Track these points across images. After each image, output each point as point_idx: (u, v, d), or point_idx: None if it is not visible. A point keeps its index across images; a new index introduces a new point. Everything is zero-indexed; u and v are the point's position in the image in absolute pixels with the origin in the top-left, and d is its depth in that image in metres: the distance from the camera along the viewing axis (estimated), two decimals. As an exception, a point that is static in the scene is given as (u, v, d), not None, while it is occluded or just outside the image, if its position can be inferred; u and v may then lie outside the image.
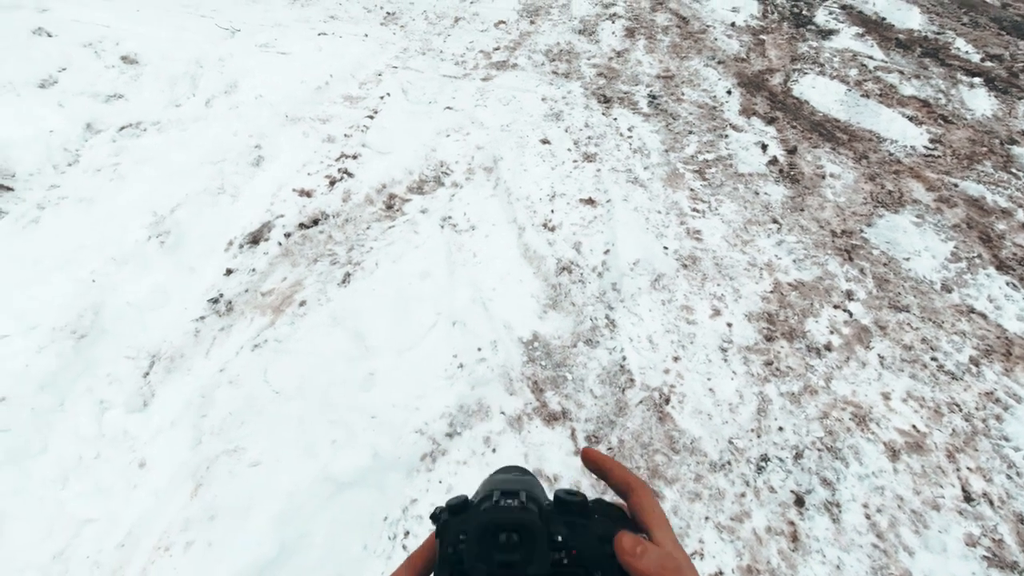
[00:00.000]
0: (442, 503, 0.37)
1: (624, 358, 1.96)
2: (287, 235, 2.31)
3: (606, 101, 3.41)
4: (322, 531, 1.42)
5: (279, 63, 3.58)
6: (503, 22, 4.31)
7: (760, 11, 4.51)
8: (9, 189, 2.40)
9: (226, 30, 3.96)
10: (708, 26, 4.31)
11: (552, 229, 2.47)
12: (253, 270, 2.18)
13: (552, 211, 2.55)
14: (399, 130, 2.97)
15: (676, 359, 1.97)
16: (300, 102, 3.18)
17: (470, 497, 0.37)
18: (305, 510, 1.45)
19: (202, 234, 2.32)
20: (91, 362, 1.81)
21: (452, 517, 0.36)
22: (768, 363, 1.98)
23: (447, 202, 2.56)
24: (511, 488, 0.36)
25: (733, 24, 4.31)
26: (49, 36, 3.36)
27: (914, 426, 1.79)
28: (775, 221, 2.61)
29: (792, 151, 3.05)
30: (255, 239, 2.32)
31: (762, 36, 4.19)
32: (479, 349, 1.90)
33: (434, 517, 0.37)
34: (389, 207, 2.54)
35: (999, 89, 3.59)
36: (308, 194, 2.55)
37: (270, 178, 2.61)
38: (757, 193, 2.77)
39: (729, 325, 2.11)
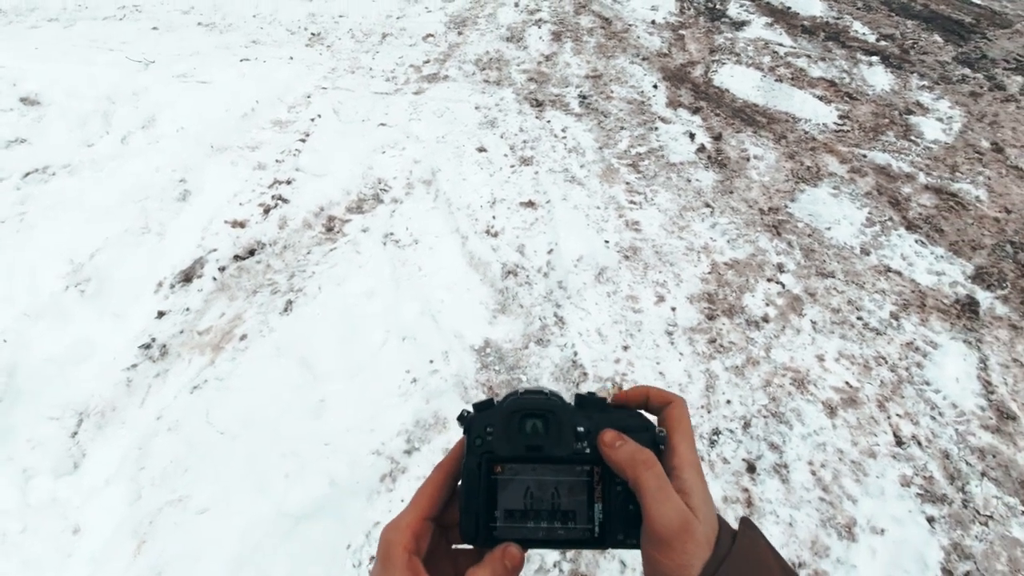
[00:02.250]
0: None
1: (576, 353, 2.01)
2: (221, 269, 2.25)
3: (538, 105, 3.50)
4: (281, 570, 1.38)
5: (200, 93, 3.48)
6: (431, 35, 4.35)
7: (677, 8, 4.76)
8: (-101, 251, 2.21)
9: (139, 63, 3.81)
10: (630, 25, 4.51)
11: (495, 235, 2.51)
12: (187, 309, 2.11)
13: (494, 217, 2.60)
14: (333, 151, 2.95)
15: (625, 348, 2.05)
16: (226, 131, 3.10)
17: (496, 401, 0.39)
18: (261, 550, 1.41)
19: (127, 278, 2.22)
20: (8, 429, 1.69)
21: (478, 413, 0.38)
22: (712, 341, 2.09)
23: (388, 219, 2.56)
24: (535, 388, 0.39)
25: (653, 22, 4.53)
26: (-66, 83, 3.13)
27: (847, 383, 1.93)
28: (708, 205, 2.75)
29: (718, 137, 3.23)
30: (187, 277, 2.24)
31: (681, 31, 4.43)
32: (431, 361, 1.90)
33: (461, 417, 0.38)
34: (329, 229, 2.51)
35: (894, 65, 3.94)
36: (241, 224, 2.48)
37: (199, 212, 2.53)
38: (689, 180, 2.92)
39: (673, 309, 2.21)
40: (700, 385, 1.93)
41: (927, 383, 1.94)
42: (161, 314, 2.11)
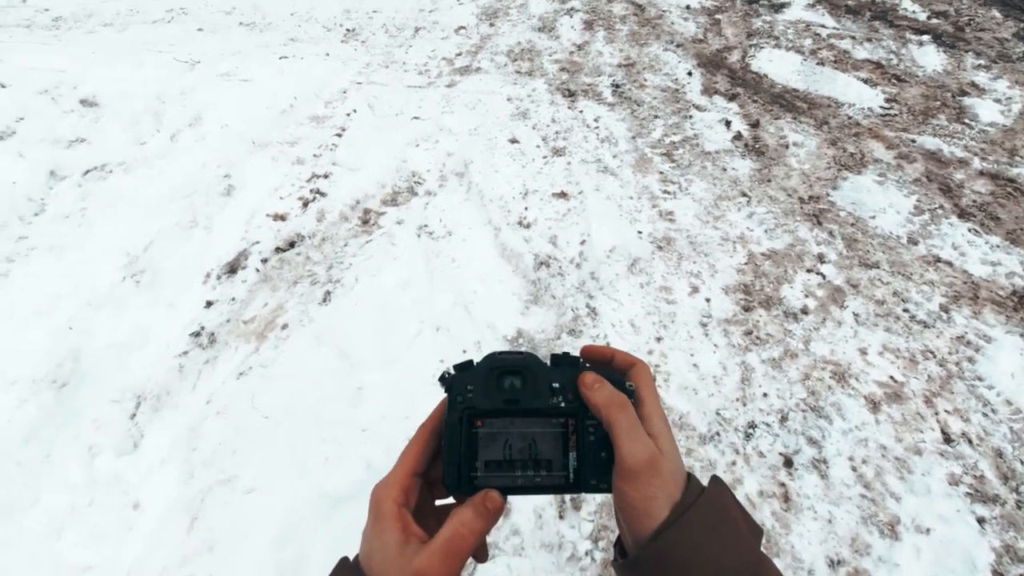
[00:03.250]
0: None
1: (608, 344, 1.98)
2: (264, 261, 2.32)
3: (571, 95, 3.44)
4: (321, 549, 1.43)
5: (242, 90, 3.58)
6: (463, 27, 4.33)
7: (712, -9, 4.57)
8: (-23, 244, 2.37)
9: (185, 63, 3.94)
10: (664, 11, 4.37)
11: (527, 226, 2.49)
12: (233, 299, 2.18)
13: (526, 208, 2.58)
14: (368, 145, 2.98)
15: (659, 339, 2.00)
16: (267, 127, 3.18)
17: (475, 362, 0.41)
18: (302, 530, 1.46)
19: (178, 269, 2.31)
20: (75, 410, 1.80)
21: (459, 374, 0.39)
22: (748, 333, 2.02)
23: (422, 211, 2.58)
24: (512, 350, 0.45)
25: (688, 7, 4.38)
26: (3, 87, 3.33)
27: (892, 377, 1.84)
28: (744, 194, 2.65)
29: (755, 125, 3.11)
30: (232, 268, 2.32)
31: (717, 16, 4.26)
32: (464, 351, 1.91)
33: (442, 378, 0.39)
34: (365, 222, 2.55)
35: (947, 44, 3.68)
36: (282, 218, 2.55)
37: (242, 206, 2.61)
38: (725, 169, 2.82)
39: (708, 300, 2.15)
40: (735, 378, 1.87)
41: (979, 378, 1.83)
42: (209, 304, 2.19)
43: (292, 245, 2.40)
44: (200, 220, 2.53)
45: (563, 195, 2.68)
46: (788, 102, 3.31)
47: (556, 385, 0.38)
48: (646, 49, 3.91)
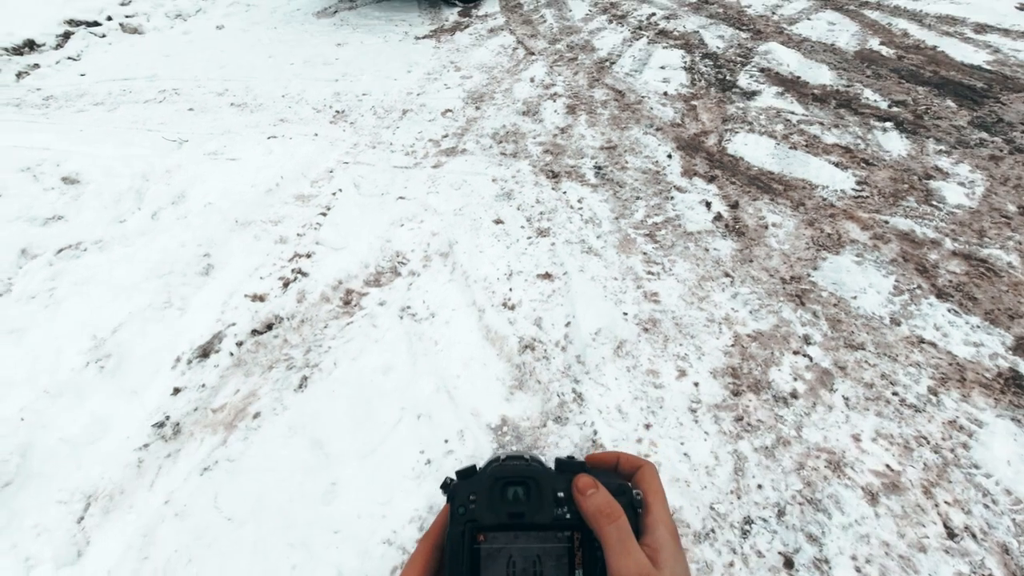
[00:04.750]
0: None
1: (595, 432, 2.01)
2: (239, 344, 2.35)
3: (554, 176, 3.70)
4: (284, 674, 1.35)
5: (228, 169, 3.78)
6: (450, 110, 4.71)
7: (688, 80, 5.09)
8: (-65, 328, 2.38)
9: (173, 142, 4.19)
10: (643, 97, 4.83)
11: (512, 308, 2.59)
12: (203, 386, 2.19)
13: (511, 289, 2.69)
14: (353, 224, 3.13)
15: (647, 426, 2.04)
16: (251, 206, 3.34)
17: (479, 467, 0.42)
18: (264, 652, 1.38)
19: (146, 353, 2.33)
20: (15, 513, 1.74)
21: (462, 481, 0.40)
22: (738, 419, 2.07)
23: (405, 292, 2.67)
24: (516, 453, 0.42)
25: (665, 93, 4.84)
26: (-15, 166, 3.48)
27: (887, 465, 1.88)
28: (727, 275, 2.81)
29: (734, 206, 3.35)
30: (205, 352, 2.34)
31: (693, 102, 4.71)
32: (446, 441, 1.92)
33: (444, 485, 0.40)
34: (347, 303, 2.62)
35: (908, 131, 4.10)
36: (261, 298, 2.62)
37: (220, 286, 2.68)
38: (707, 250, 3.00)
39: (696, 384, 2.21)
40: (728, 468, 1.89)
41: (975, 466, 1.87)
42: (177, 390, 2.19)
43: (270, 327, 2.45)
44: (175, 301, 2.59)
45: (548, 276, 2.81)
46: (765, 184, 3.60)
47: (561, 495, 0.39)
48: (627, 133, 4.27)
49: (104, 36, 6.30)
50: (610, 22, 6.96)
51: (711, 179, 3.64)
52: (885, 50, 5.49)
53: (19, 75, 5.26)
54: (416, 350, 2.32)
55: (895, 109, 4.48)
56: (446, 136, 4.32)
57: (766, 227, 3.17)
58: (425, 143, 4.22)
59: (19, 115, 4.59)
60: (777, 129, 4.23)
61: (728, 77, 5.17)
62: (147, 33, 6.73)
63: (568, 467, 0.41)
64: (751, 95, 4.81)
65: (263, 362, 2.31)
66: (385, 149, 4.14)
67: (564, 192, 3.53)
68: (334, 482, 1.80)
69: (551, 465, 0.42)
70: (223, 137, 4.29)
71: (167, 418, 2.07)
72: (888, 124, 4.20)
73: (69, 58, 5.70)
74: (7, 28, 5.56)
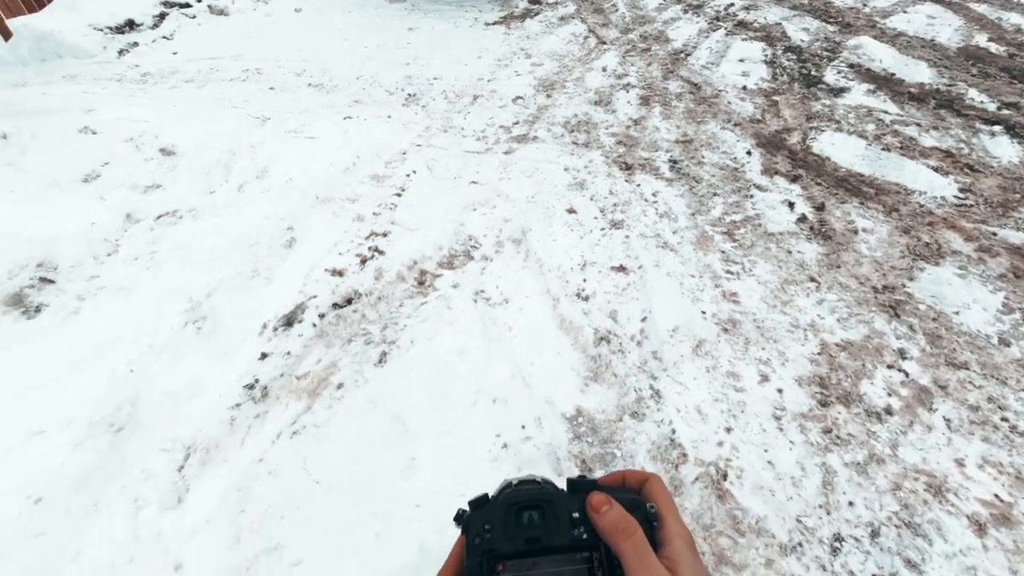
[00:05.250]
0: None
1: (674, 431, 1.96)
2: (321, 316, 2.43)
3: (628, 168, 3.62)
4: (371, 636, 1.39)
5: (307, 147, 3.91)
6: (520, 97, 4.68)
7: (769, 74, 4.84)
8: (51, 282, 2.59)
9: (257, 119, 4.36)
10: (720, 91, 4.63)
11: (586, 299, 2.55)
12: (288, 353, 2.28)
13: (584, 280, 2.65)
14: (426, 206, 3.17)
15: (728, 430, 1.97)
16: (329, 183, 3.44)
17: (490, 495, 0.41)
18: (352, 613, 1.43)
19: (236, 319, 2.44)
20: (127, 457, 1.87)
21: (475, 511, 0.39)
22: (827, 431, 1.96)
23: (478, 276, 2.68)
24: (528, 477, 0.41)
25: (744, 88, 4.63)
26: (94, 134, 3.73)
27: (996, 495, 1.73)
28: (812, 279, 2.66)
29: (820, 208, 3.17)
30: (289, 321, 2.44)
31: (774, 97, 4.48)
32: (523, 427, 1.92)
33: (457, 517, 0.39)
34: (420, 283, 2.66)
35: (1021, 135, 3.74)
36: (340, 273, 2.69)
37: (302, 259, 2.77)
38: (790, 252, 2.85)
39: (779, 391, 2.12)
40: (816, 480, 1.80)
41: (1103, 508, 1.70)
42: (264, 356, 2.29)
43: (349, 301, 2.52)
44: (261, 271, 2.70)
45: (622, 269, 2.75)
46: (853, 186, 3.38)
47: (576, 515, 0.38)
48: (703, 127, 4.12)
49: (194, 17, 6.63)
50: (685, 12, 6.71)
51: (794, 179, 3.46)
52: (994, 47, 5.02)
53: (120, 52, 5.62)
54: (491, 334, 2.33)
55: (1005, 112, 4.09)
56: (517, 123, 4.30)
57: (855, 232, 2.98)
58: (496, 129, 4.21)
59: (120, 89, 4.90)
60: (868, 129, 3.95)
61: (813, 72, 4.88)
62: (232, 15, 7.03)
63: (580, 487, 0.40)
64: (839, 92, 4.52)
65: (343, 335, 2.38)
66: (457, 133, 4.16)
67: (638, 185, 3.44)
68: (413, 457, 1.83)
69: (563, 486, 0.41)
70: (302, 116, 4.43)
71: (256, 381, 2.17)
72: (997, 128, 3.85)
73: (163, 37, 6.04)
74: (111, 9, 5.93)
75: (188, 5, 6.71)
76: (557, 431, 1.93)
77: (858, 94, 4.47)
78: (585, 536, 0.37)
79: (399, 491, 1.73)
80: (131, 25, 6.03)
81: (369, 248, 2.85)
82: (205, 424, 2.01)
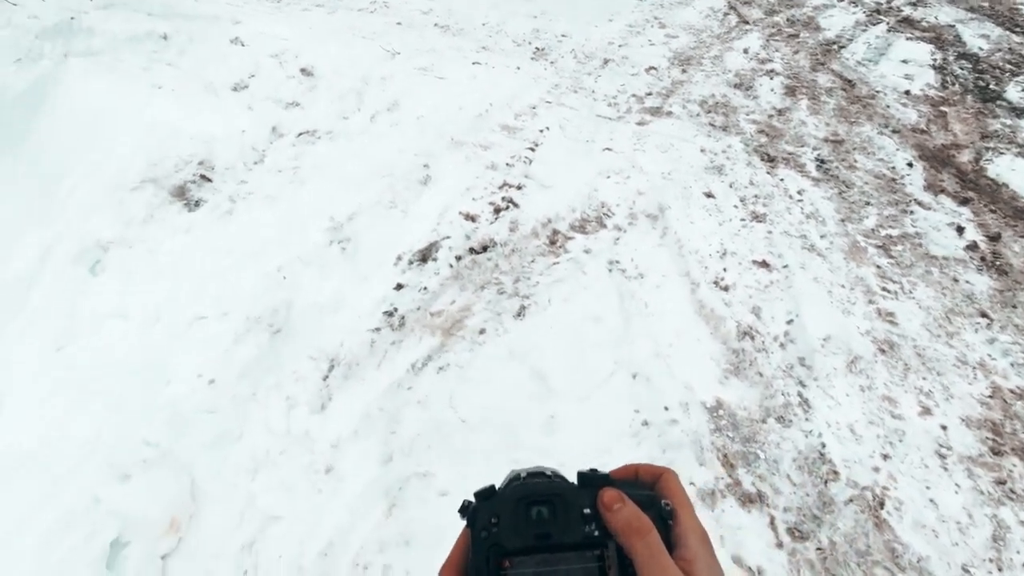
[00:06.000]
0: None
1: (823, 445, 1.83)
2: (458, 258, 2.42)
3: (770, 160, 3.37)
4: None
5: (437, 87, 3.87)
6: (654, 68, 4.43)
7: (938, 81, 4.35)
8: (209, 180, 2.70)
9: (387, 52, 4.35)
10: (877, 92, 4.21)
11: (726, 289, 2.42)
12: (424, 288, 2.29)
13: (724, 270, 2.51)
14: (560, 166, 3.08)
15: (885, 457, 1.82)
16: (461, 127, 3.39)
17: (497, 487, 0.39)
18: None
19: (375, 245, 2.47)
20: (281, 357, 1.95)
21: (481, 503, 0.37)
22: (1000, 482, 1.78)
23: (612, 245, 2.59)
24: (537, 469, 0.39)
25: (907, 92, 4.18)
26: (243, 45, 3.83)
27: None
28: (983, 315, 2.41)
29: (995, 238, 2.84)
30: (424, 257, 2.45)
31: (943, 108, 4.03)
32: (666, 408, 1.85)
33: (463, 509, 0.38)
34: (552, 243, 2.60)
35: None
36: (472, 219, 2.67)
37: (436, 198, 2.76)
38: (956, 280, 2.59)
39: (943, 428, 1.94)
40: (986, 532, 1.65)
41: None
42: (400, 286, 2.31)
43: (485, 249, 2.49)
44: (398, 203, 2.71)
45: (765, 265, 2.58)
46: (1035, 221, 3.01)
47: (587, 511, 0.36)
48: (857, 128, 3.77)
49: (329, -59, 6.64)
50: (840, 0, 6.11)
51: (963, 201, 3.11)
52: None
53: (262, -33, 5.71)
54: (628, 308, 2.25)
55: None
56: (650, 94, 4.08)
57: (1036, 271, 2.66)
58: (628, 97, 4.02)
59: (259, 5, 5.00)
60: (1056, 159, 3.49)
61: (992, 86, 4.34)
62: (364, -56, 7.00)
63: (592, 481, 0.38)
64: (1022, 112, 4.01)
65: (476, 280, 2.36)
66: (587, 96, 4.00)
67: (781, 179, 3.20)
68: (553, 415, 1.81)
69: (573, 479, 0.39)
70: (430, 55, 4.38)
71: (395, 309, 2.19)
72: None
73: (301, -43, 6.09)
74: (258, -79, 6.01)
75: (325, -71, 6.71)
76: (700, 421, 1.85)
77: (1044, 118, 3.95)
78: (597, 534, 0.35)
79: (542, 445, 1.71)
80: (272, -58, 6.10)
81: (503, 199, 2.81)
82: (347, 340, 2.06)
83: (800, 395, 1.99)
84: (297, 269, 2.25)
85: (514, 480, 0.39)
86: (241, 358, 1.87)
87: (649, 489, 0.40)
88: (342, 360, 1.99)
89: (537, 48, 4.76)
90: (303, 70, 3.79)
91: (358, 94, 3.72)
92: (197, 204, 2.56)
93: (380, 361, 2.03)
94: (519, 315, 2.17)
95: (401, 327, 2.15)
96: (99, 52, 3.76)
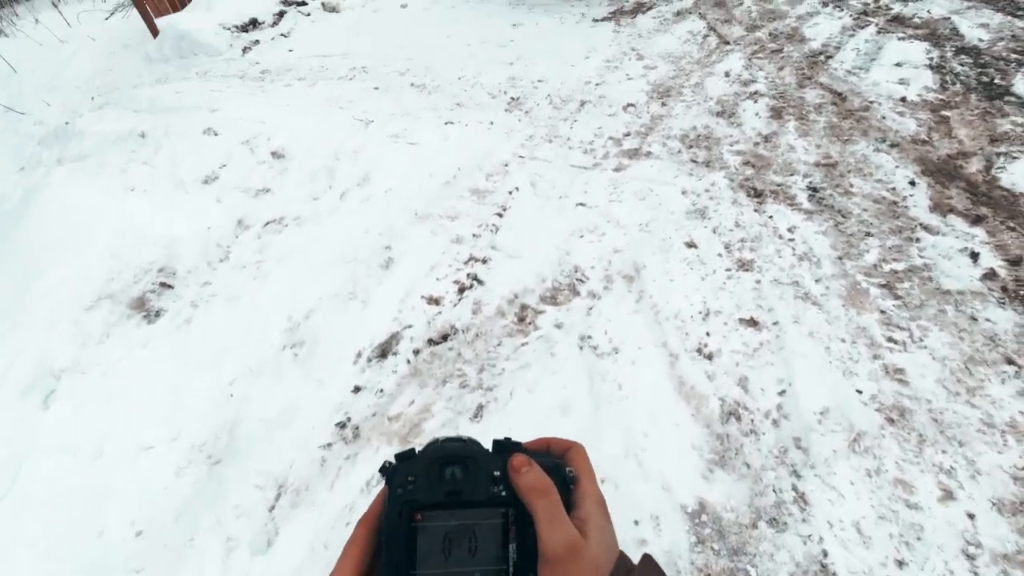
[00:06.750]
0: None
1: (825, 553, 1.59)
2: (416, 352, 2.30)
3: (757, 195, 3.16)
4: None
5: (408, 154, 3.83)
6: (632, 105, 4.31)
7: (936, 82, 4.07)
8: (170, 287, 2.68)
9: (361, 121, 4.36)
10: (871, 102, 3.96)
11: (709, 357, 2.21)
12: (381, 391, 2.17)
13: (707, 333, 2.30)
14: (529, 229, 2.95)
15: (901, 564, 1.56)
16: (428, 197, 3.32)
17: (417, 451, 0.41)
18: None
19: (332, 343, 2.38)
20: (226, 487, 1.84)
21: (400, 463, 0.40)
22: (1045, 587, 1.50)
23: (584, 316, 2.42)
24: (455, 436, 0.41)
25: (904, 99, 3.92)
26: (216, 135, 3.90)
27: None
28: (1010, 361, 2.12)
29: (1016, 262, 2.55)
30: (383, 352, 2.33)
31: (944, 112, 3.75)
32: (636, 523, 1.65)
33: (383, 469, 0.40)
34: (521, 319, 2.45)
35: None
36: (437, 302, 2.55)
37: (399, 283, 2.67)
38: (975, 319, 2.31)
39: (970, 516, 1.66)
40: (1033, 661, 1.37)
41: None
42: (357, 389, 2.20)
43: (445, 338, 2.36)
44: (359, 292, 2.63)
45: (753, 323, 2.36)
46: (1062, 235, 2.70)
47: (497, 474, 0.39)
48: (850, 147, 3.52)
49: (309, 15, 6.88)
50: (824, 5, 5.89)
51: (976, 220, 2.83)
52: None
53: (244, 50, 5.93)
54: (599, 393, 2.07)
55: None
56: (628, 134, 3.94)
57: (1068, 299, 2.36)
58: (605, 141, 3.89)
59: (243, 87, 5.14)
60: (1080, 158, 3.17)
61: (997, 80, 4.04)
62: (343, 11, 7.21)
63: (504, 447, 0.41)
64: (1034, 107, 3.69)
65: (437, 374, 2.23)
66: (562, 144, 3.89)
67: (770, 216, 2.99)
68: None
69: (489, 447, 0.42)
70: (404, 119, 4.37)
71: (348, 419, 2.07)
72: None
73: (281, 35, 6.30)
74: (239, 7, 6.28)
75: (304, 3, 6.98)
76: (677, 533, 1.64)
77: (1061, 111, 3.62)
78: (504, 494, 0.39)
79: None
80: (254, 23, 6.36)
81: (468, 275, 2.69)
82: (298, 460, 1.94)
83: (795, 488, 1.75)
84: (247, 382, 2.17)
85: (432, 444, 0.41)
86: (181, 494, 1.78)
87: (558, 459, 0.43)
88: (291, 485, 1.87)
89: (512, 98, 4.71)
90: (274, 153, 3.82)
91: (329, 171, 3.71)
92: (157, 315, 2.53)
93: (333, 481, 1.90)
94: (476, 416, 2.02)
95: (356, 438, 2.02)
96: (87, 155, 3.89)
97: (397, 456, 0.40)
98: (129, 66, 6.50)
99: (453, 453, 0.39)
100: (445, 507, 0.38)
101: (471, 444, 0.41)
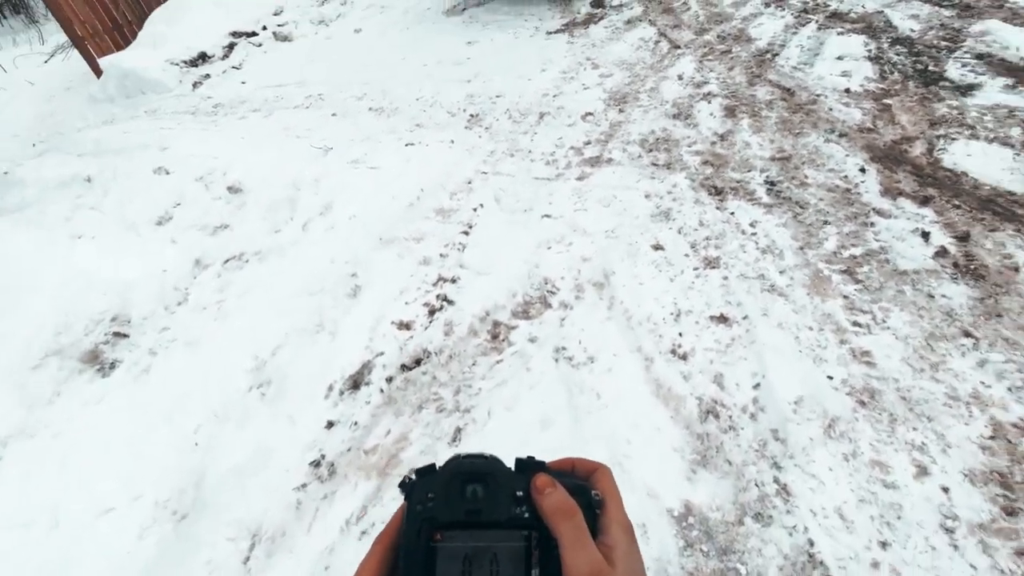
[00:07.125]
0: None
1: (811, 542, 1.61)
2: (389, 380, 2.27)
3: (718, 193, 3.25)
4: None
5: (370, 178, 3.82)
6: (590, 113, 4.39)
7: (876, 72, 4.28)
8: (125, 336, 2.59)
9: (319, 149, 4.34)
10: (817, 95, 4.13)
11: (683, 357, 2.24)
12: (355, 423, 2.12)
13: (680, 334, 2.34)
14: (496, 245, 2.96)
15: (884, 544, 1.60)
16: (393, 220, 3.31)
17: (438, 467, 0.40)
18: None
19: (302, 379, 2.33)
20: (191, 547, 1.76)
21: (420, 479, 0.39)
22: (1021, 552, 1.55)
23: (558, 327, 2.43)
24: (476, 453, 0.41)
25: (847, 90, 4.11)
26: (167, 173, 3.82)
27: None
28: (967, 334, 2.21)
29: (964, 238, 2.67)
30: (355, 383, 2.29)
31: (886, 100, 3.93)
32: (624, 533, 1.64)
33: (402, 484, 0.40)
34: (494, 337, 2.45)
35: None
36: (407, 326, 2.53)
37: (367, 310, 2.63)
38: (932, 296, 2.40)
39: (945, 490, 1.71)
40: (1018, 629, 1.41)
41: None
42: (331, 424, 2.15)
43: (418, 363, 2.34)
44: (326, 324, 2.58)
45: (723, 319, 2.41)
46: (1004, 209, 2.84)
47: (520, 494, 0.38)
48: (802, 140, 3.66)
49: (260, 45, 6.84)
50: (767, 6, 6.15)
51: (924, 201, 2.96)
52: None
53: (195, 85, 5.85)
54: (577, 404, 2.07)
55: None
56: (589, 143, 4.01)
57: (1016, 269, 2.47)
58: (566, 151, 3.95)
59: (194, 123, 5.07)
60: (1013, 135, 3.36)
61: (932, 67, 4.26)
62: (296, 40, 7.21)
63: (528, 467, 0.41)
64: (967, 90, 3.91)
65: (413, 401, 2.20)
66: (524, 157, 3.93)
67: (732, 213, 3.07)
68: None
69: (511, 465, 0.41)
70: (364, 144, 4.37)
71: (323, 457, 2.02)
72: None
73: (233, 67, 6.25)
74: (186, 43, 6.21)
75: (254, 34, 6.94)
76: (665, 538, 1.64)
77: (992, 91, 3.84)
78: (527, 515, 0.38)
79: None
80: (203, 57, 6.29)
81: (437, 296, 2.68)
82: (271, 506, 1.88)
83: (777, 480, 1.77)
84: (213, 430, 2.10)
85: (453, 460, 0.40)
86: (146, 557, 1.70)
87: (583, 481, 0.42)
88: (265, 533, 1.81)
89: (471, 115, 4.76)
90: (230, 188, 3.76)
91: (290, 202, 3.67)
92: (112, 366, 2.44)
93: (310, 523, 1.85)
94: (454, 440, 1.99)
95: (331, 476, 1.97)
96: (28, 205, 3.75)
97: (417, 471, 0.40)
98: (72, 109, 6.33)
99: (474, 470, 0.39)
100: (465, 526, 0.37)
101: (493, 461, 0.40)
